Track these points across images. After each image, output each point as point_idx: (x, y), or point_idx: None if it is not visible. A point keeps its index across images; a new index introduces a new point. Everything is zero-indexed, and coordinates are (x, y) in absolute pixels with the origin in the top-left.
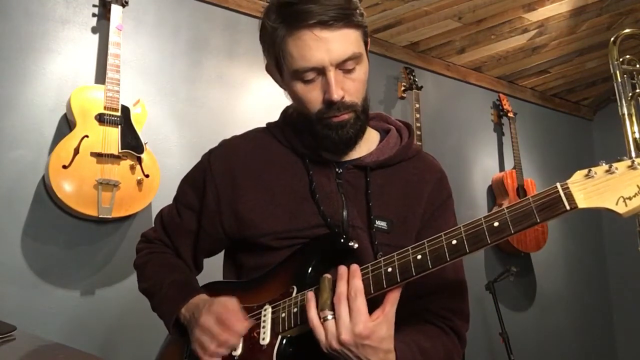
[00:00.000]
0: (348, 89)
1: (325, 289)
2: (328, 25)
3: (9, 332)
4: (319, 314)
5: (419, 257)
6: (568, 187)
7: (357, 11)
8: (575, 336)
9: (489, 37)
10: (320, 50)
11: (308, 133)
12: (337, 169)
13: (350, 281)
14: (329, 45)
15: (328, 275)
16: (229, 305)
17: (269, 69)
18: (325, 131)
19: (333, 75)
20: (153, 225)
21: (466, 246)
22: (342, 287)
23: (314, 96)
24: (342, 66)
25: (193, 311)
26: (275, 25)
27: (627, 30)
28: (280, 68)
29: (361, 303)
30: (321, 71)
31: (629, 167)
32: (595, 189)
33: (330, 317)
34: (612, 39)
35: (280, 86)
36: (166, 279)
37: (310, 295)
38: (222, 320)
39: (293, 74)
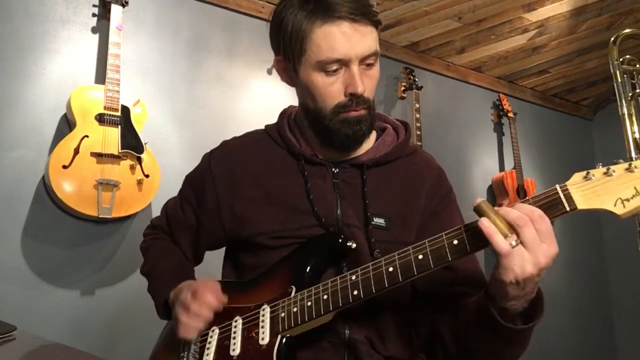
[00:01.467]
0: (367, 85)
1: (491, 215)
2: (356, 21)
3: (9, 332)
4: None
5: (420, 257)
6: (567, 189)
7: (376, 11)
8: (576, 336)
9: (489, 37)
10: (348, 43)
11: (315, 130)
12: (333, 169)
13: (519, 205)
14: (356, 39)
15: (480, 200)
16: (208, 283)
17: (278, 66)
18: (340, 126)
19: (357, 68)
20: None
21: (467, 246)
22: (517, 211)
23: (335, 89)
24: (364, 61)
25: (178, 293)
26: (301, 17)
27: (627, 30)
28: (295, 62)
29: (549, 223)
30: (345, 64)
31: (626, 169)
32: (594, 191)
33: (515, 242)
34: (612, 39)
35: (290, 83)
36: (161, 264)
37: (487, 222)
38: (195, 292)
39: (316, 65)
